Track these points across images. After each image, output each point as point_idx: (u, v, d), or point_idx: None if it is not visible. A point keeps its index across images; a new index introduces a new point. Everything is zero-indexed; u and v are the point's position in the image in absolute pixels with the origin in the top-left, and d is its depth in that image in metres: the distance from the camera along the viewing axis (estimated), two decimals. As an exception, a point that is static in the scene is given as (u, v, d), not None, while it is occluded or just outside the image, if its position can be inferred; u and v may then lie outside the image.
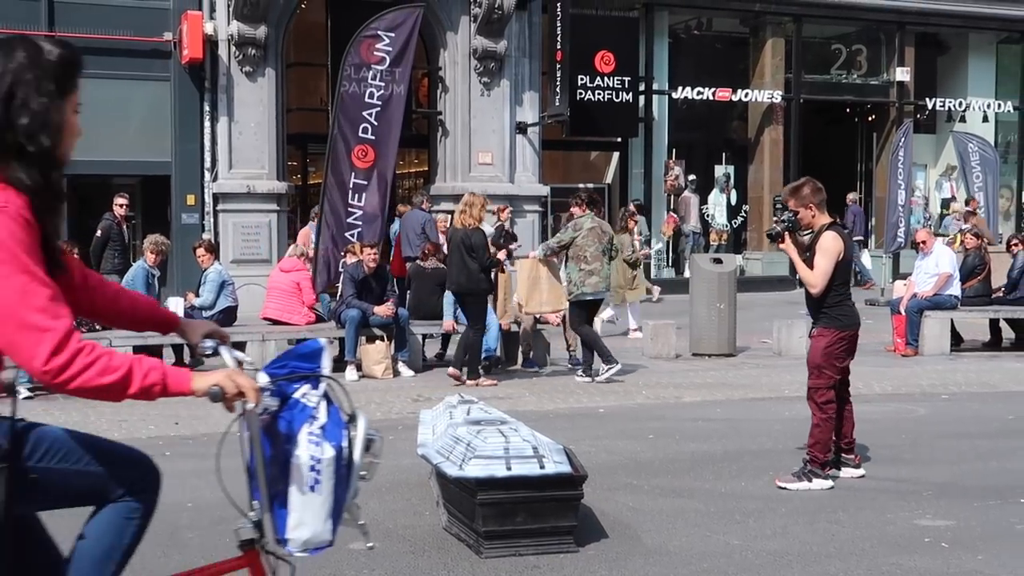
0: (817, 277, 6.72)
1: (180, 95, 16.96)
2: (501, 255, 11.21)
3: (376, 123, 13.11)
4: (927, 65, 23.65)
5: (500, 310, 11.26)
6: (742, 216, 22.24)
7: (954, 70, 24.03)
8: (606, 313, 14.23)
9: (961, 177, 22.09)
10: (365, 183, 13.13)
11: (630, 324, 14.70)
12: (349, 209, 13.15)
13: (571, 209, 11.61)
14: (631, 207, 16.69)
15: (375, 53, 13.15)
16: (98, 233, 13.70)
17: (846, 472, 6.87)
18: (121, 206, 13.82)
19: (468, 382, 10.81)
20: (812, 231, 6.91)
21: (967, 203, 21.22)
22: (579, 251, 11.04)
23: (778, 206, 7.11)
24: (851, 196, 22.55)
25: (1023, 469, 7.16)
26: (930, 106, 23.10)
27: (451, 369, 11.05)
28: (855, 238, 22.39)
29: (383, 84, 13.12)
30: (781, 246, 7.04)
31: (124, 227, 13.85)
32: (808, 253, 6.86)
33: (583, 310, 11.17)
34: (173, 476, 7.03)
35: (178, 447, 8.02)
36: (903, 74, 22.84)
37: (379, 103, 13.13)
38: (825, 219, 6.89)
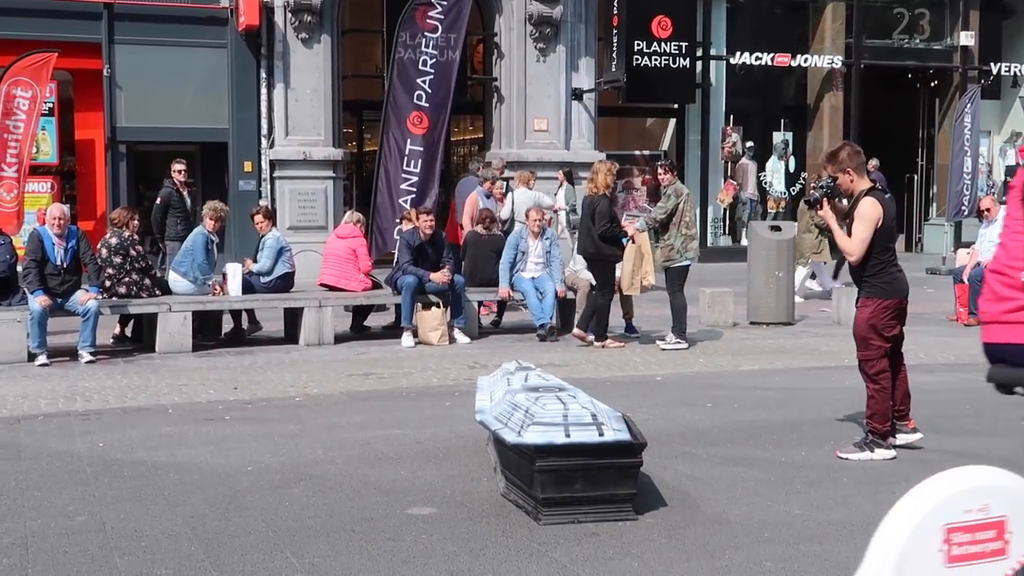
0: (855, 244, 6.54)
1: (237, 62, 17.04)
2: (629, 228, 11.15)
3: (430, 90, 13.12)
4: (992, 29, 23.08)
5: (627, 282, 11.20)
6: (800, 183, 21.94)
7: (1020, 34, 23.43)
8: (808, 281, 14.52)
9: (1030, 143, 21.64)
10: (420, 149, 13.16)
11: (830, 284, 14.90)
12: (404, 175, 13.18)
13: (660, 176, 11.48)
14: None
15: (429, 20, 13.13)
16: (158, 200, 13.81)
17: (902, 438, 6.73)
18: (180, 172, 13.91)
19: (596, 343, 11.04)
20: (851, 197, 6.72)
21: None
22: (681, 216, 11.07)
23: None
24: (873, 162, 22.05)
25: (1092, 441, 7.01)
26: (995, 71, 22.56)
27: (576, 330, 11.28)
28: None
29: (437, 51, 13.11)
30: (820, 213, 6.86)
31: (184, 193, 13.94)
32: (848, 220, 6.68)
33: (681, 277, 11.16)
34: (232, 440, 7.19)
35: (237, 411, 8.10)
36: (967, 38, 22.32)
37: (432, 70, 13.13)
38: (865, 184, 6.66)
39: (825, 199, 6.74)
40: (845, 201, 6.81)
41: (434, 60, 13.15)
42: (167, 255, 13.18)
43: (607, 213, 10.99)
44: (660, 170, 11.55)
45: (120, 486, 5.98)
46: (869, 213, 6.49)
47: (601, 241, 10.96)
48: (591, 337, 11.14)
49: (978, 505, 3.22)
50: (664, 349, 10.96)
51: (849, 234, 6.60)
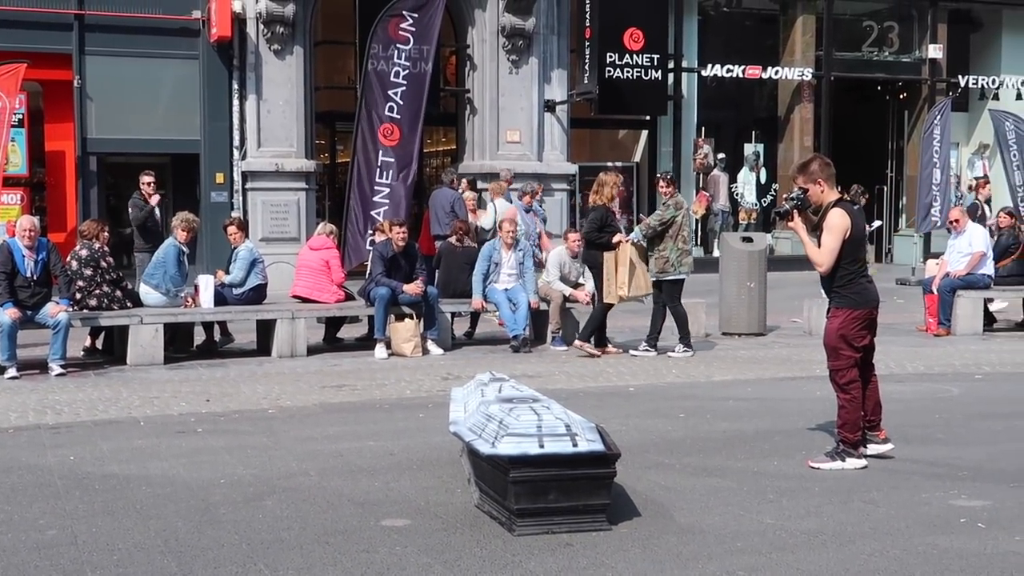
0: (823, 256, 6.60)
1: (209, 73, 16.99)
2: (617, 237, 11.19)
3: (402, 102, 13.15)
4: (960, 42, 23.35)
5: (605, 290, 11.24)
6: (772, 195, 22.08)
7: (987, 47, 23.71)
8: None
9: (996, 155, 21.82)
10: (392, 160, 13.18)
11: None
12: (375, 187, 13.20)
13: (661, 188, 11.59)
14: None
15: (400, 32, 13.19)
16: (130, 211, 13.63)
17: (873, 448, 6.77)
18: (148, 184, 13.81)
19: (587, 350, 11.26)
20: (820, 208, 6.77)
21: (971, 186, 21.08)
22: (678, 229, 11.20)
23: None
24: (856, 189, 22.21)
25: (1059, 450, 7.08)
26: (963, 84, 22.82)
27: (577, 341, 11.44)
28: None
29: (409, 63, 13.16)
30: (790, 225, 6.90)
31: (151, 205, 13.81)
32: (818, 231, 6.74)
33: (677, 289, 11.31)
34: (205, 452, 7.16)
35: (209, 423, 8.06)
36: (935, 51, 22.57)
37: (404, 82, 13.17)
38: (834, 195, 6.74)
39: (795, 211, 6.79)
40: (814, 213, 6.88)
41: (406, 72, 13.18)
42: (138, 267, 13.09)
43: (598, 220, 11.16)
44: (661, 182, 11.69)
45: (91, 500, 5.94)
46: (838, 224, 6.55)
47: (594, 248, 11.10)
48: (589, 347, 11.27)
49: None
50: (672, 357, 11.18)
51: (819, 245, 6.65)
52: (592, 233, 11.25)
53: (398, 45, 13.10)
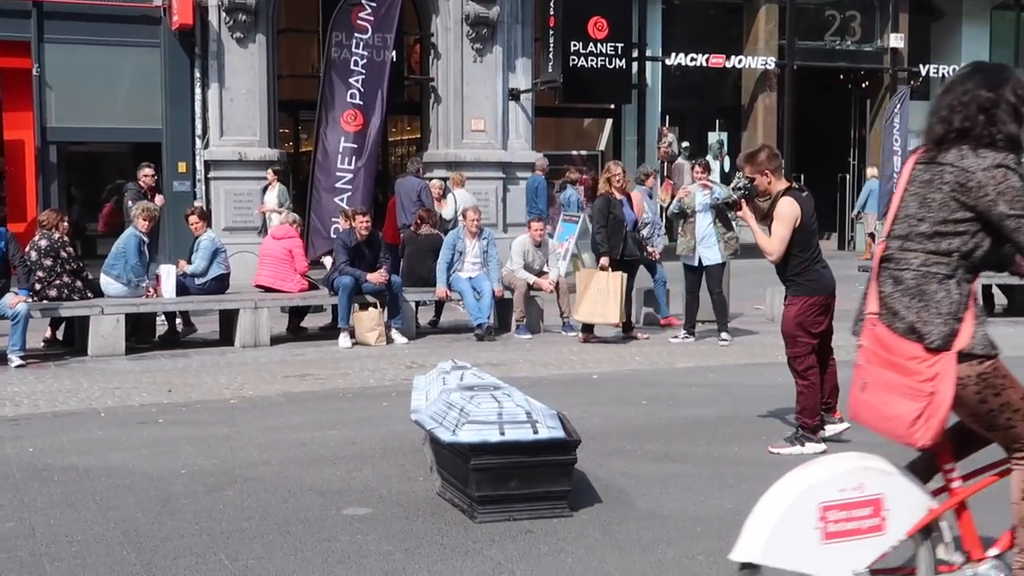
0: (773, 244, 6.66)
1: (170, 62, 16.84)
2: (604, 261, 11.22)
3: (363, 89, 13.11)
4: (921, 31, 23.55)
5: (582, 305, 11.32)
6: (736, 183, 22.15)
7: (948, 36, 23.93)
8: None
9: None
10: (355, 147, 13.15)
11: None
12: (338, 173, 13.16)
13: (696, 175, 11.56)
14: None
15: (360, 21, 13.14)
16: (128, 203, 13.44)
17: (830, 428, 6.84)
18: (149, 176, 13.63)
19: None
20: (770, 197, 6.83)
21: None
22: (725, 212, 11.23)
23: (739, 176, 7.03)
24: (871, 171, 22.33)
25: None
26: (924, 73, 23.01)
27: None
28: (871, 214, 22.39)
29: (368, 51, 13.12)
30: (738, 214, 6.97)
31: (152, 197, 13.60)
32: (767, 220, 6.80)
33: (722, 273, 11.37)
34: (166, 443, 7.12)
35: (171, 414, 8.02)
36: (897, 40, 22.76)
37: (364, 71, 13.13)
38: (782, 185, 6.80)
39: (743, 200, 6.85)
40: (764, 203, 6.93)
41: (366, 60, 13.15)
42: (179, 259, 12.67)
43: (601, 209, 11.22)
44: (697, 168, 11.61)
45: (50, 491, 5.89)
46: (787, 212, 6.61)
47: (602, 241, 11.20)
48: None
49: (853, 484, 3.32)
50: (720, 344, 11.20)
51: (769, 234, 6.71)
52: (599, 223, 11.23)
53: (357, 34, 13.06)
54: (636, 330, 11.85)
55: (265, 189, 16.70)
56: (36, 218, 12.40)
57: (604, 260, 11.20)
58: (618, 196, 11.32)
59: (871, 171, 21.31)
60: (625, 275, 11.21)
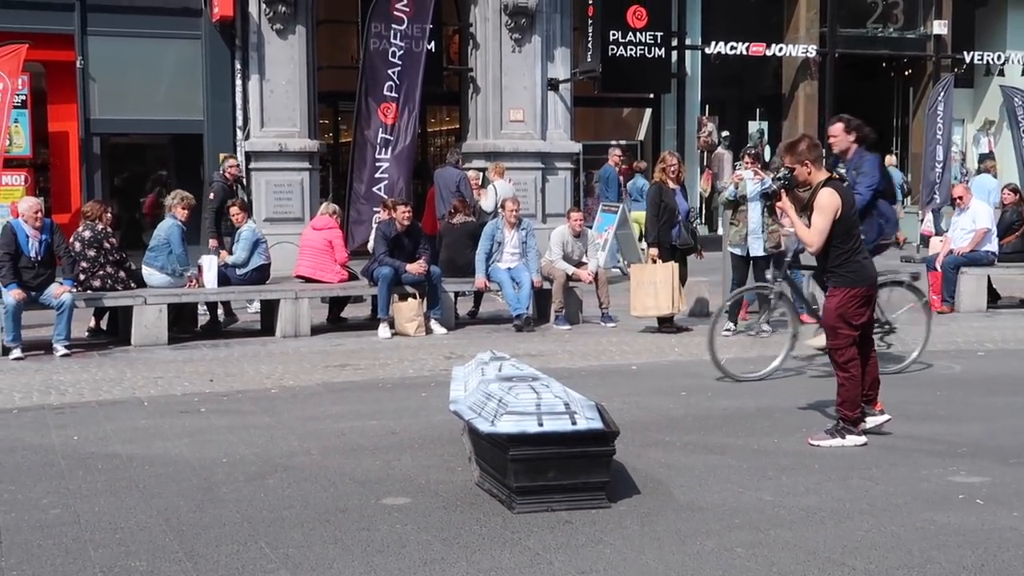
0: (813, 236, 6.60)
1: (211, 53, 16.95)
2: (652, 252, 11.27)
3: (399, 81, 13.17)
4: (965, 18, 23.24)
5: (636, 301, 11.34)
6: (777, 173, 22.00)
7: (992, 22, 23.60)
8: None
9: (1009, 131, 21.67)
10: (392, 139, 13.21)
11: None
12: (376, 164, 13.22)
13: (747, 164, 11.50)
14: None
15: (396, 12, 13.20)
16: (211, 196, 13.51)
17: (870, 421, 6.77)
18: (234, 167, 13.72)
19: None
20: (810, 188, 6.77)
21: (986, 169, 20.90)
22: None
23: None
24: (889, 159, 22.29)
25: (1060, 426, 7.10)
26: (968, 60, 22.72)
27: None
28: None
29: (404, 43, 13.17)
30: (778, 204, 6.94)
31: (236, 188, 13.69)
32: (808, 211, 6.74)
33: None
34: (208, 432, 7.20)
35: (213, 403, 8.10)
36: (940, 27, 22.46)
37: (400, 62, 13.19)
38: (823, 175, 6.73)
39: (783, 190, 6.80)
40: (805, 194, 6.88)
41: (402, 52, 13.20)
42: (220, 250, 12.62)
43: (653, 197, 11.30)
44: (747, 158, 11.56)
45: (94, 479, 5.98)
46: (827, 203, 6.56)
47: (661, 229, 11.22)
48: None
49: None
50: (762, 335, 10.84)
51: (809, 225, 6.66)
52: (651, 212, 11.34)
53: (395, 25, 13.11)
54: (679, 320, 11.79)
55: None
56: (80, 209, 12.54)
57: (653, 251, 11.19)
58: (672, 185, 11.29)
59: (890, 159, 21.03)
60: (676, 265, 11.19)
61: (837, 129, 8.94)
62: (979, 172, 21.14)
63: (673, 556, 4.66)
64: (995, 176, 19.35)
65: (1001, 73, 22.85)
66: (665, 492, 5.63)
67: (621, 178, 17.75)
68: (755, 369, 8.90)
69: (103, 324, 11.63)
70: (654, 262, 11.17)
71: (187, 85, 17.07)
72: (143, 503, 5.50)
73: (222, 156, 13.96)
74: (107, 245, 10.94)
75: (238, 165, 13.80)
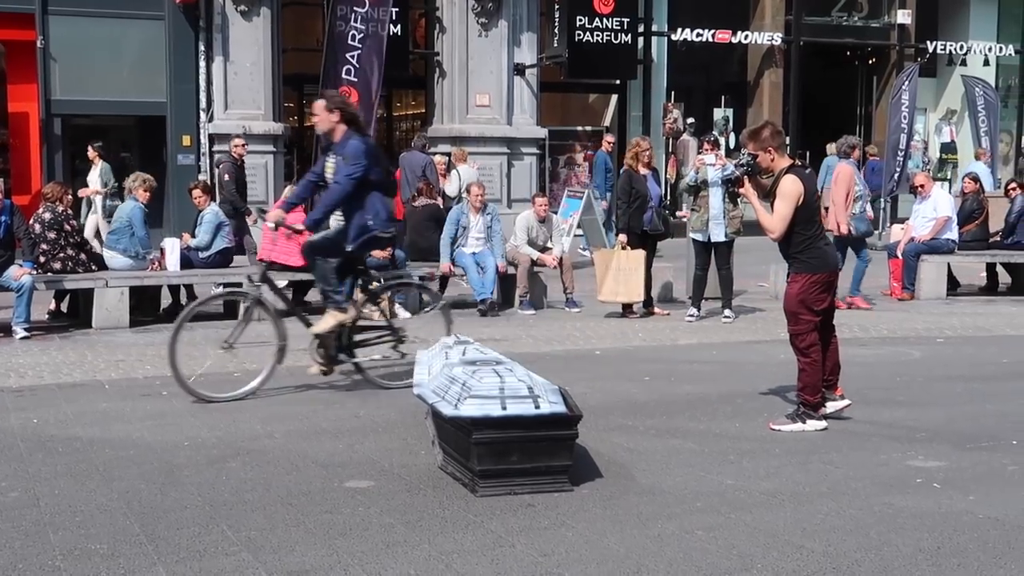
0: (775, 222, 6.65)
1: (174, 34, 16.80)
2: (622, 238, 11.32)
3: (358, 65, 13.10)
4: (928, 7, 23.42)
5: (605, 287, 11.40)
6: (741, 159, 22.10)
7: (955, 13, 23.80)
8: None
9: (969, 120, 21.91)
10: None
11: None
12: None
13: (707, 150, 11.53)
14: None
15: None
16: (226, 177, 13.32)
17: (831, 405, 6.83)
18: (241, 146, 13.60)
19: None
20: (772, 174, 6.81)
21: (976, 157, 21.02)
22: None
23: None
24: (871, 149, 22.45)
25: (1016, 412, 7.19)
26: (931, 49, 22.91)
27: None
28: (871, 193, 22.39)
29: (365, 26, 13.09)
30: (740, 191, 6.97)
31: (244, 166, 13.57)
32: (770, 197, 6.78)
33: (731, 250, 11.39)
34: (170, 415, 7.15)
35: (175, 387, 8.01)
36: (904, 16, 22.64)
37: (360, 45, 13.12)
38: (785, 162, 6.76)
39: (746, 176, 6.84)
40: (767, 180, 6.92)
41: (362, 35, 13.14)
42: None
43: (623, 184, 11.31)
44: (706, 144, 11.58)
45: (54, 462, 5.93)
46: (790, 190, 6.60)
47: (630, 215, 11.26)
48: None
49: None
50: (726, 322, 11.19)
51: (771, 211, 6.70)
52: (621, 200, 11.37)
53: (356, 7, 13.03)
54: (655, 306, 11.83)
55: (88, 169, 15.66)
56: (40, 191, 12.40)
57: (622, 238, 11.23)
58: (642, 171, 11.31)
59: (871, 149, 21.18)
60: (644, 252, 11.24)
61: (318, 107, 8.08)
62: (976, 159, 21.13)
63: (635, 539, 4.69)
64: (987, 164, 19.48)
65: (963, 63, 23.07)
66: (627, 476, 5.66)
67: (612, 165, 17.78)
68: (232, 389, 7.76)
69: (63, 307, 11.52)
70: (624, 248, 11.21)
71: (150, 66, 16.90)
72: (104, 486, 5.46)
73: (233, 136, 14.17)
74: (67, 227, 10.83)
75: (245, 144, 13.68)
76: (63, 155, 16.70)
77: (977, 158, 20.63)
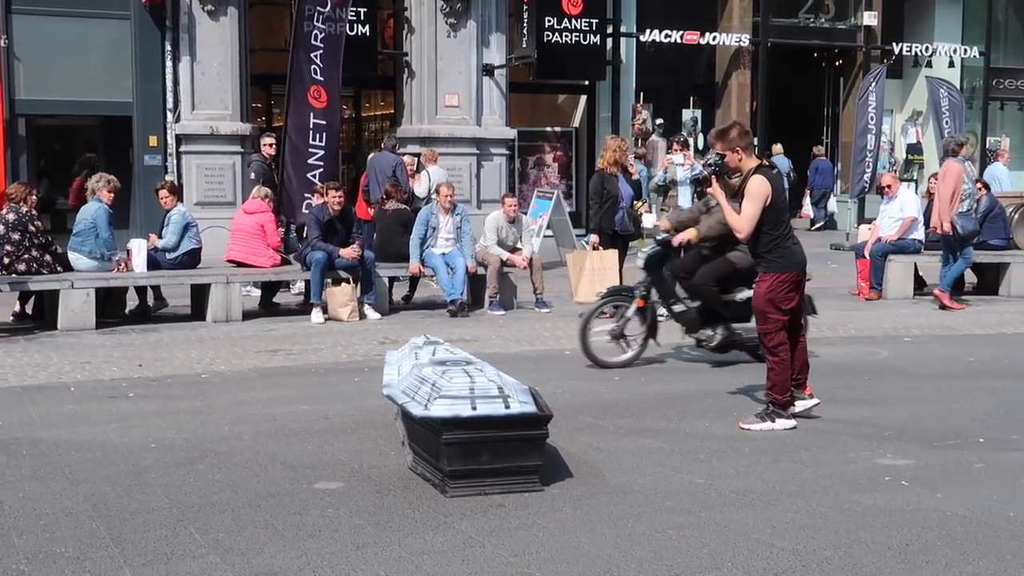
0: (743, 222, 6.67)
1: (140, 34, 16.65)
2: (593, 239, 11.32)
3: (322, 65, 13.05)
4: (894, 9, 23.59)
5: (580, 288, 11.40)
6: (710, 160, 22.18)
7: (921, 15, 23.99)
8: None
9: (933, 122, 22.09)
10: (324, 123, 13.10)
11: None
12: (311, 150, 13.08)
13: (676, 151, 11.53)
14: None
15: None
16: (251, 176, 13.18)
17: (800, 404, 6.86)
18: (271, 145, 13.46)
19: None
20: (740, 174, 6.84)
21: (995, 157, 21.08)
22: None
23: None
24: (817, 149, 22.72)
25: (982, 410, 7.25)
26: (897, 51, 23.08)
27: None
28: (819, 191, 22.63)
29: (325, 26, 13.04)
30: (708, 190, 7.01)
31: (275, 167, 13.43)
32: (738, 197, 6.81)
33: None
34: (137, 417, 7.09)
35: (142, 388, 7.98)
36: (870, 18, 22.79)
37: (322, 45, 13.06)
38: (753, 162, 6.79)
39: (713, 176, 6.86)
40: (735, 180, 6.95)
41: (324, 34, 13.07)
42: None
43: (596, 186, 11.29)
44: (676, 145, 11.58)
45: (19, 465, 5.86)
46: (758, 190, 6.62)
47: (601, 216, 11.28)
48: None
49: None
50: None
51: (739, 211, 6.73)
52: (594, 201, 11.39)
53: (319, 7, 12.97)
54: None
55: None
56: (4, 191, 12.26)
57: (594, 239, 11.24)
58: (612, 171, 11.33)
59: (777, 147, 21.38)
60: (617, 252, 11.26)
61: None
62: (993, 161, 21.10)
63: (605, 539, 4.68)
64: (1005, 165, 19.51)
65: (929, 64, 23.25)
66: (598, 475, 5.66)
67: None
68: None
69: (28, 308, 11.40)
70: (595, 249, 11.23)
71: (116, 66, 16.75)
72: (69, 489, 5.40)
73: (264, 135, 13.88)
74: (32, 228, 10.72)
75: (275, 144, 13.52)
76: (27, 156, 16.51)
77: (996, 159, 20.57)
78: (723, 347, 8.78)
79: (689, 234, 8.75)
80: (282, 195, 12.93)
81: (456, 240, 12.08)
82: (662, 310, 9.00)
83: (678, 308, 8.89)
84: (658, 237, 9.06)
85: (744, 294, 8.54)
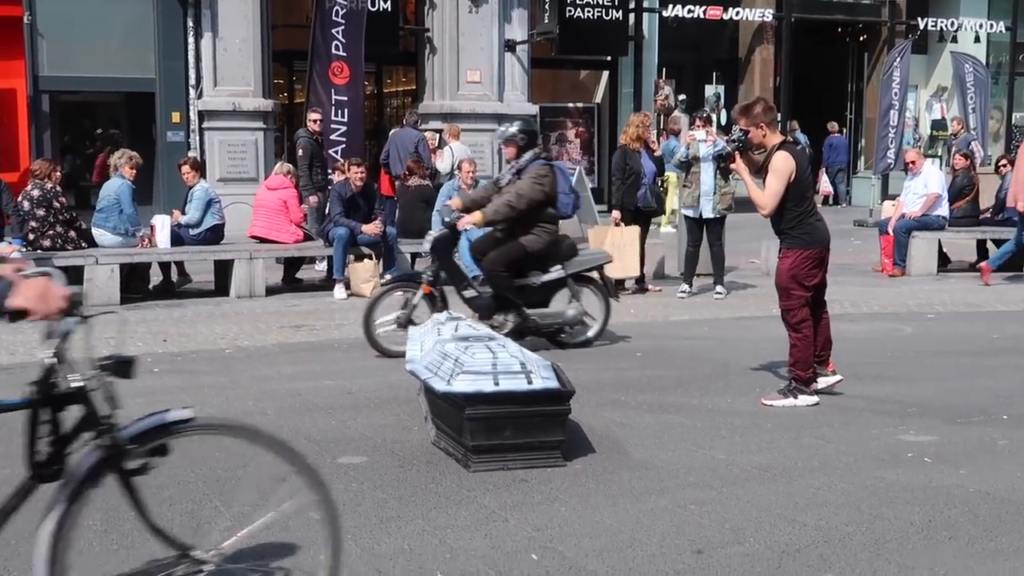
0: (767, 198, 6.65)
1: (163, 10, 16.66)
2: (615, 215, 11.30)
3: (345, 40, 13.05)
4: (920, -16, 23.40)
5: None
6: (733, 136, 22.07)
7: (947, -11, 23.77)
8: None
9: (958, 97, 21.91)
10: (346, 99, 13.10)
11: None
12: (332, 126, 13.10)
13: (699, 126, 11.46)
14: None
15: None
16: (299, 152, 13.28)
17: (822, 381, 6.86)
18: (315, 121, 13.49)
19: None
20: (764, 150, 6.81)
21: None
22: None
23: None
24: (832, 126, 22.59)
25: (1006, 387, 7.22)
26: (921, 26, 22.87)
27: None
28: (835, 168, 22.52)
29: (347, 2, 13.05)
30: (732, 166, 6.98)
31: (322, 141, 13.40)
32: (761, 173, 6.78)
33: (722, 227, 11.43)
34: (161, 392, 7.13)
35: (166, 364, 8.04)
36: (895, -7, 22.62)
37: (343, 21, 13.06)
38: (777, 138, 6.77)
39: (737, 152, 6.83)
40: (759, 156, 6.91)
41: (345, 10, 13.07)
42: (313, 208, 12.59)
43: (618, 162, 11.30)
44: (699, 121, 11.54)
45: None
46: (782, 166, 6.59)
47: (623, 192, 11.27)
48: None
49: None
50: (717, 299, 11.24)
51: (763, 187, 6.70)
52: (616, 177, 11.40)
53: None
54: (648, 283, 11.84)
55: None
56: (29, 168, 12.34)
57: (616, 214, 11.23)
58: (635, 147, 11.30)
59: (793, 124, 21.24)
60: (638, 228, 11.25)
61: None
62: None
63: (627, 513, 4.70)
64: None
65: (954, 40, 23.04)
66: (620, 451, 5.67)
67: None
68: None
69: (54, 284, 11.46)
70: (617, 225, 11.22)
71: (138, 42, 16.77)
72: (96, 463, 5.44)
73: (309, 110, 13.65)
74: (56, 204, 10.79)
75: (319, 120, 13.45)
76: (51, 132, 16.59)
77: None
78: (516, 334, 8.16)
79: (473, 218, 8.28)
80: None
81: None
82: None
83: (469, 293, 8.47)
84: (446, 219, 8.60)
85: (540, 278, 8.32)
